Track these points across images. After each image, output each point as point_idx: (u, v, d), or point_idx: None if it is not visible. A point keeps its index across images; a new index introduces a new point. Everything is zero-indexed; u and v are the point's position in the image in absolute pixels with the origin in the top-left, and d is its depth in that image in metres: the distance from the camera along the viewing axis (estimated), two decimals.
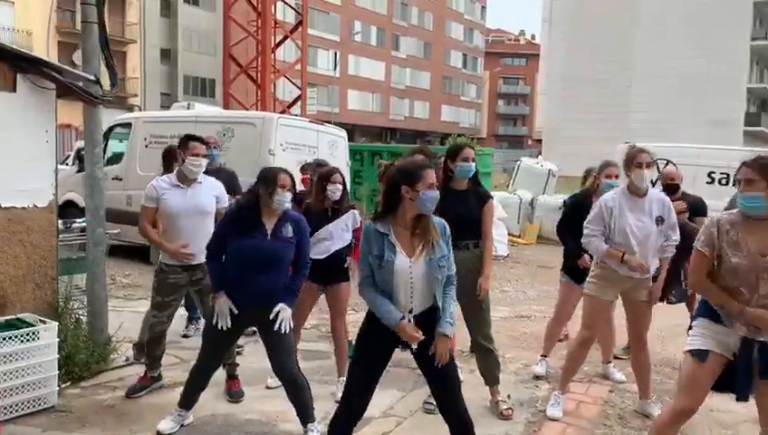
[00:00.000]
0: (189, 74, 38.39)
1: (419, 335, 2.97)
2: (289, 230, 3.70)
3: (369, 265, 3.03)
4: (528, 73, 72.50)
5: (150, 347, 4.47)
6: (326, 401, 4.30)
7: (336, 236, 4.50)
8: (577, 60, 37.48)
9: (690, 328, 3.19)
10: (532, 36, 76.46)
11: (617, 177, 4.77)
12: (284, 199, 3.66)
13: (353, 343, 3.32)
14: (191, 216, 4.30)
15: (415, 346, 3.02)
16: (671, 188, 5.37)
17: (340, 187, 4.50)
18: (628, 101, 35.26)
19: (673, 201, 4.63)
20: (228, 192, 4.78)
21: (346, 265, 4.63)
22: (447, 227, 3.15)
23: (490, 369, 4.28)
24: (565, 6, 39.31)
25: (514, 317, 7.15)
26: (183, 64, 38.08)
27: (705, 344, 3.03)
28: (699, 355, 3.03)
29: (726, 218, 3.04)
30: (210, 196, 4.42)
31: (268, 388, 4.56)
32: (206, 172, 4.50)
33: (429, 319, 3.06)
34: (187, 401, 3.91)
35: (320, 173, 4.70)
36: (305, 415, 3.73)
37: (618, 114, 33.72)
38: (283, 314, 3.66)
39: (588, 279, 4.30)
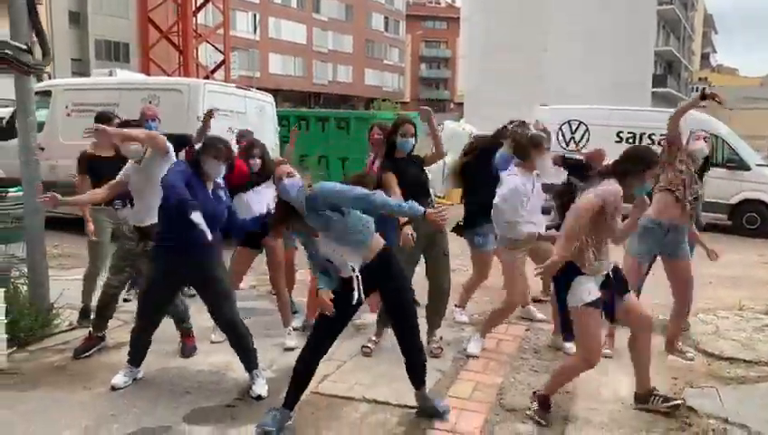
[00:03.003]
0: (101, 38, 36.62)
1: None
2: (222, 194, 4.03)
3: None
4: (449, 37, 73.03)
5: (101, 308, 4.65)
6: (271, 351, 4.62)
7: (259, 202, 4.77)
8: (496, 23, 38.12)
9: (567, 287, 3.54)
10: None
11: None
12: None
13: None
14: None
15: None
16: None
17: (259, 160, 4.83)
18: (544, 65, 36.35)
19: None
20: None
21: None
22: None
23: (439, 314, 4.77)
24: None
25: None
26: (94, 28, 36.26)
27: (593, 294, 3.46)
28: (595, 304, 3.46)
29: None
30: None
31: (212, 343, 4.83)
32: None
33: (371, 271, 3.43)
34: (135, 358, 4.14)
35: (240, 148, 5.04)
36: (249, 362, 4.04)
37: (535, 77, 34.74)
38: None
39: None
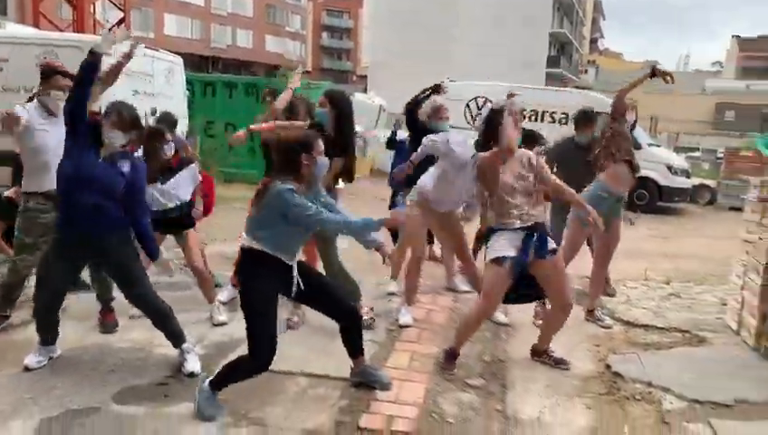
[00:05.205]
0: None
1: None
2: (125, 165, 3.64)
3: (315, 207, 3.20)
4: (352, 7, 72.19)
5: (11, 289, 4.28)
6: (200, 326, 4.44)
7: (173, 194, 4.57)
8: None
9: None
10: None
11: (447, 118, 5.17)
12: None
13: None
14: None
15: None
16: None
17: (173, 144, 4.58)
18: (449, 41, 36.90)
19: None
20: None
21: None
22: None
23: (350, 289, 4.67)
24: None
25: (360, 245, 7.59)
26: None
27: (503, 251, 3.76)
28: (501, 260, 3.75)
29: None
30: None
31: (132, 318, 4.55)
32: None
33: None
34: (47, 338, 3.81)
35: (147, 132, 4.65)
36: (176, 338, 3.84)
37: (440, 53, 35.17)
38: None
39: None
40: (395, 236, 7.04)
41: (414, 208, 4.76)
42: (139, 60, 8.59)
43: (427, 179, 4.73)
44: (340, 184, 4.80)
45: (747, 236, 4.88)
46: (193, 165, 4.74)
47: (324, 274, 4.63)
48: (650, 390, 3.78)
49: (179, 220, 4.64)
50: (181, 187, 4.61)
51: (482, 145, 4.02)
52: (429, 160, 5.01)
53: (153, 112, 6.97)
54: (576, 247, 4.99)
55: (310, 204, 3.19)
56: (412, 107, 5.26)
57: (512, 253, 3.75)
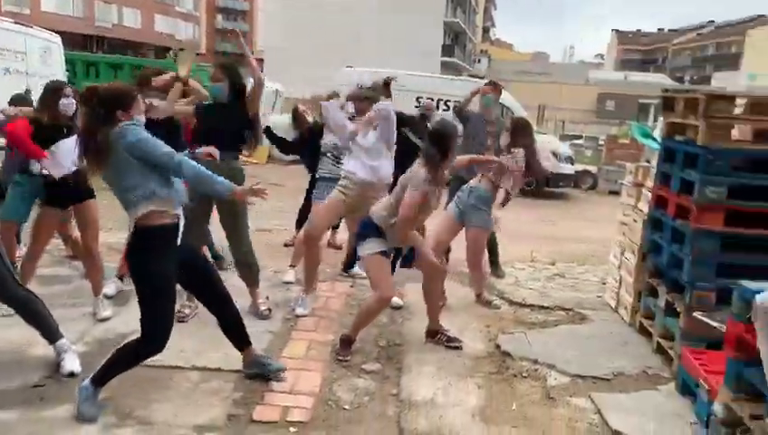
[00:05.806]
0: None
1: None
2: None
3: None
4: None
5: None
6: (81, 321, 4.19)
7: (56, 160, 4.18)
8: None
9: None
10: None
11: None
12: None
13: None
14: None
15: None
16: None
17: (74, 101, 4.22)
18: (346, 26, 36.73)
19: None
20: None
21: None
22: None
23: (250, 273, 4.57)
24: None
25: (256, 231, 7.43)
26: None
27: (383, 247, 3.90)
28: (383, 253, 3.91)
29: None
30: None
31: (5, 316, 4.22)
32: None
33: None
34: None
35: (50, 86, 4.31)
36: (50, 335, 3.59)
37: (337, 38, 34.99)
38: None
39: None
40: (300, 222, 6.96)
41: (338, 196, 4.68)
42: (10, 36, 7.98)
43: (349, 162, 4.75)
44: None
45: (624, 219, 5.20)
46: None
47: (232, 252, 4.63)
48: (536, 367, 3.96)
49: (73, 189, 4.20)
50: (68, 147, 4.06)
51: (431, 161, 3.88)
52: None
53: (27, 93, 6.47)
54: (449, 231, 5.10)
55: (163, 142, 2.97)
56: (300, 127, 5.84)
57: (386, 248, 3.94)
